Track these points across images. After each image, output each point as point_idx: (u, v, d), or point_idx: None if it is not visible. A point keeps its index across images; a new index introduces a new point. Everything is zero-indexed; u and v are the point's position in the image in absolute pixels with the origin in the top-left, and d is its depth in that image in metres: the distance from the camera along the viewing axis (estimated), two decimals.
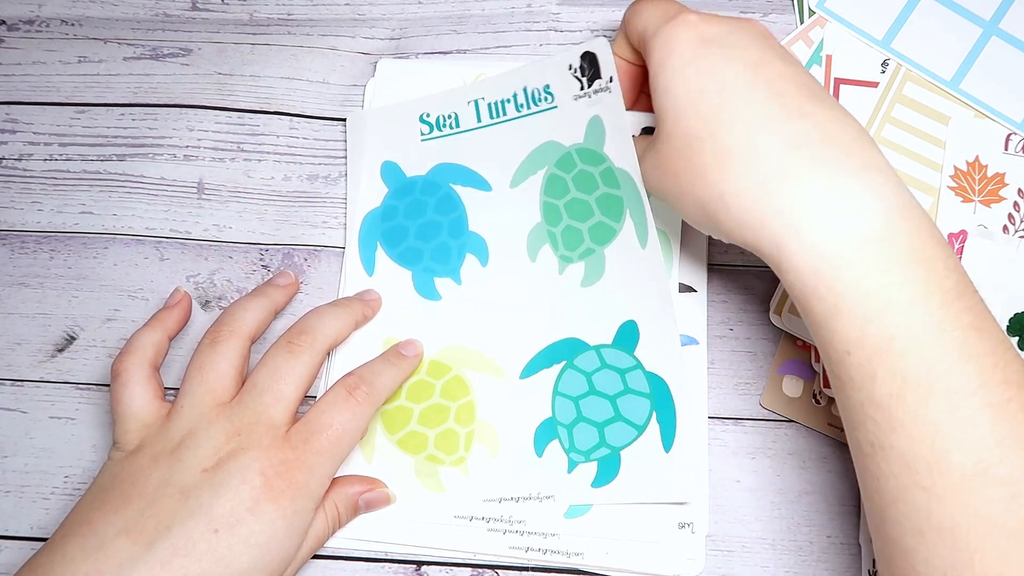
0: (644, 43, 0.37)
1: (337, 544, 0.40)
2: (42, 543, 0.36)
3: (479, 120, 0.44)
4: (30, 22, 0.49)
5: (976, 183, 0.43)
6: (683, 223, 0.42)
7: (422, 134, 0.45)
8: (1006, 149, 0.43)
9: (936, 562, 0.29)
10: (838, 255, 0.31)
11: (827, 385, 0.40)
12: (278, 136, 0.47)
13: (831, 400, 0.41)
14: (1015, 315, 0.41)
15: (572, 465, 0.40)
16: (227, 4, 0.49)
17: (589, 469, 0.40)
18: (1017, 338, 0.41)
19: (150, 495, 0.35)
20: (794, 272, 0.31)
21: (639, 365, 0.40)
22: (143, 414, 0.38)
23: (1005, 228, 0.42)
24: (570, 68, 0.42)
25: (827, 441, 0.41)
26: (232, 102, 0.47)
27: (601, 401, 0.40)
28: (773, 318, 0.42)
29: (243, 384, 0.39)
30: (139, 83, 0.48)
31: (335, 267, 0.45)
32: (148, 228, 0.46)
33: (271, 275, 0.45)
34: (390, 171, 0.45)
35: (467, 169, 0.44)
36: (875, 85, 0.44)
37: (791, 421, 0.42)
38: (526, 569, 0.40)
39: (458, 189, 0.44)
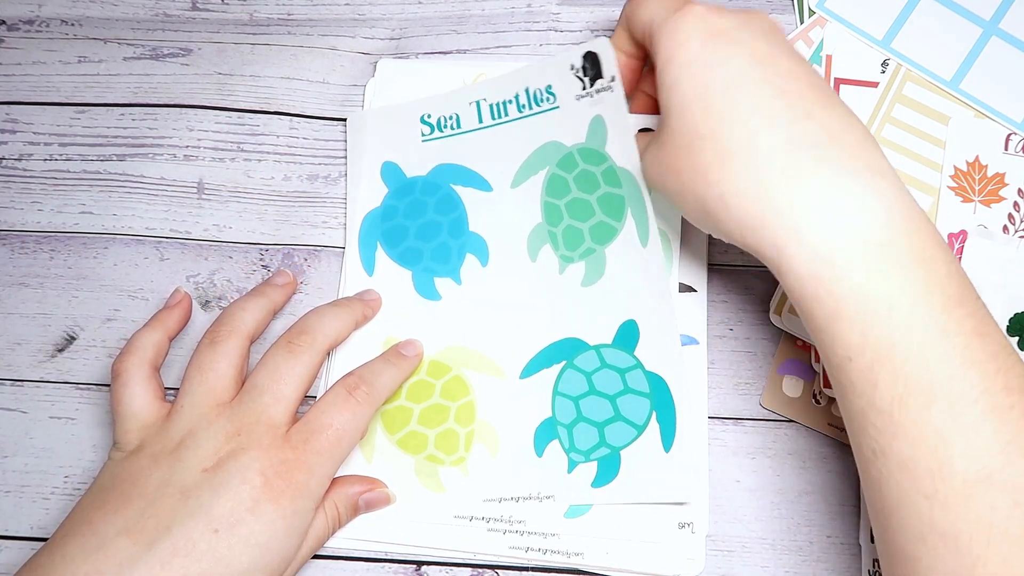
0: (650, 36, 0.36)
1: (337, 544, 0.40)
2: (42, 543, 0.36)
3: (480, 121, 0.44)
4: (30, 22, 0.49)
5: (976, 183, 0.43)
6: (683, 223, 0.42)
7: (423, 135, 0.45)
8: (1006, 149, 0.43)
9: (939, 568, 0.29)
10: (839, 259, 0.30)
11: (827, 385, 0.40)
12: (278, 136, 0.47)
13: (831, 400, 0.41)
14: (1015, 315, 0.41)
15: (572, 465, 0.40)
16: (227, 4, 0.49)
17: (589, 469, 0.40)
18: (1017, 338, 0.41)
19: (150, 495, 0.35)
20: (794, 275, 0.31)
21: (639, 365, 0.40)
22: (143, 414, 0.38)
23: (1005, 228, 0.42)
24: (572, 68, 0.42)
25: (827, 441, 0.41)
26: (232, 102, 0.47)
27: (601, 401, 0.40)
28: (773, 318, 0.42)
29: (243, 384, 0.39)
30: (139, 83, 0.48)
31: (335, 267, 0.45)
32: (148, 228, 0.46)
33: (271, 275, 0.45)
34: (390, 171, 0.45)
35: (468, 169, 0.44)
36: (875, 85, 0.44)
37: (791, 421, 0.42)
38: (526, 569, 0.40)
39: (458, 189, 0.44)
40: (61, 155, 0.47)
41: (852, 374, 0.31)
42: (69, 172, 0.47)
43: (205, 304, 0.45)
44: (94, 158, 0.47)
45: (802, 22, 0.46)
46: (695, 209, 0.35)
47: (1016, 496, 0.28)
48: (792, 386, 0.42)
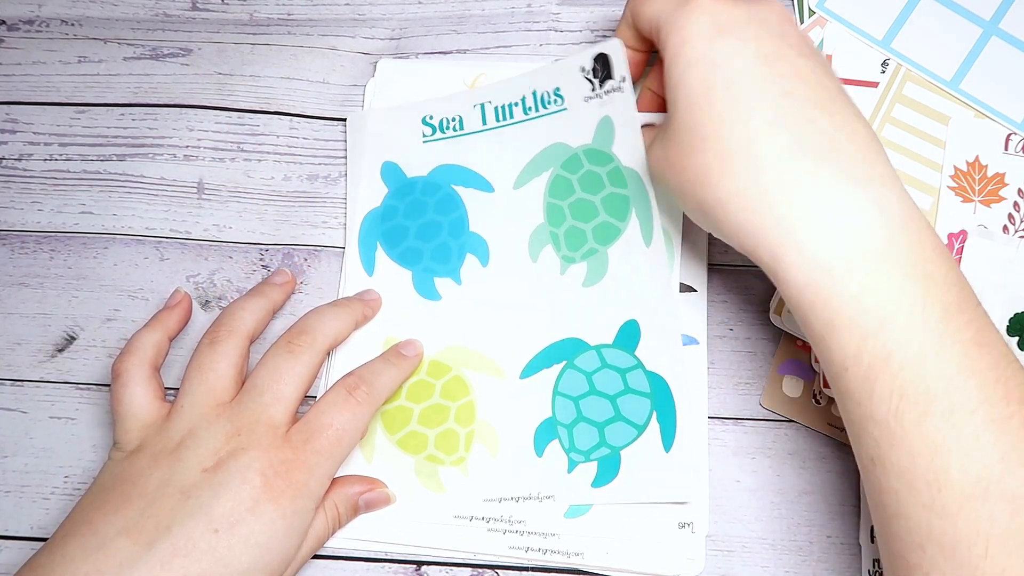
0: (657, 31, 0.36)
1: (337, 544, 0.40)
2: (42, 543, 0.36)
3: (484, 123, 0.44)
4: (30, 22, 0.49)
5: (976, 183, 0.43)
6: (684, 222, 0.42)
7: (424, 135, 0.45)
8: (1006, 149, 0.43)
9: None
10: (837, 268, 0.30)
11: (827, 385, 0.40)
12: (278, 136, 0.47)
13: (831, 400, 0.41)
14: (1015, 315, 0.41)
15: (572, 465, 0.40)
16: (227, 4, 0.49)
17: (589, 469, 0.40)
18: (1017, 338, 0.41)
19: (150, 495, 0.35)
20: (791, 283, 0.31)
21: (640, 364, 0.40)
22: (143, 414, 0.38)
23: (1005, 228, 0.42)
24: (582, 70, 0.42)
25: (827, 441, 0.41)
26: (232, 102, 0.47)
27: (601, 401, 0.40)
28: (773, 318, 0.42)
29: (243, 384, 0.39)
30: (139, 83, 0.48)
31: (335, 267, 0.45)
32: (148, 228, 0.46)
33: (269, 274, 0.45)
34: (390, 171, 0.45)
35: (469, 170, 0.44)
36: (875, 85, 0.44)
37: (791, 421, 0.42)
38: (526, 569, 0.40)
39: (459, 190, 0.44)
40: (61, 155, 0.47)
41: (850, 383, 0.30)
42: (69, 172, 0.47)
43: (205, 304, 0.45)
44: (94, 158, 0.47)
45: (802, 22, 0.46)
46: (695, 209, 0.35)
47: (1015, 506, 0.28)
48: (792, 386, 0.42)
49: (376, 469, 0.41)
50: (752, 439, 0.42)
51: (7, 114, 0.48)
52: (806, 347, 0.42)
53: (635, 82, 0.42)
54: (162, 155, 0.47)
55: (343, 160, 0.46)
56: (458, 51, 0.47)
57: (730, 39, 0.33)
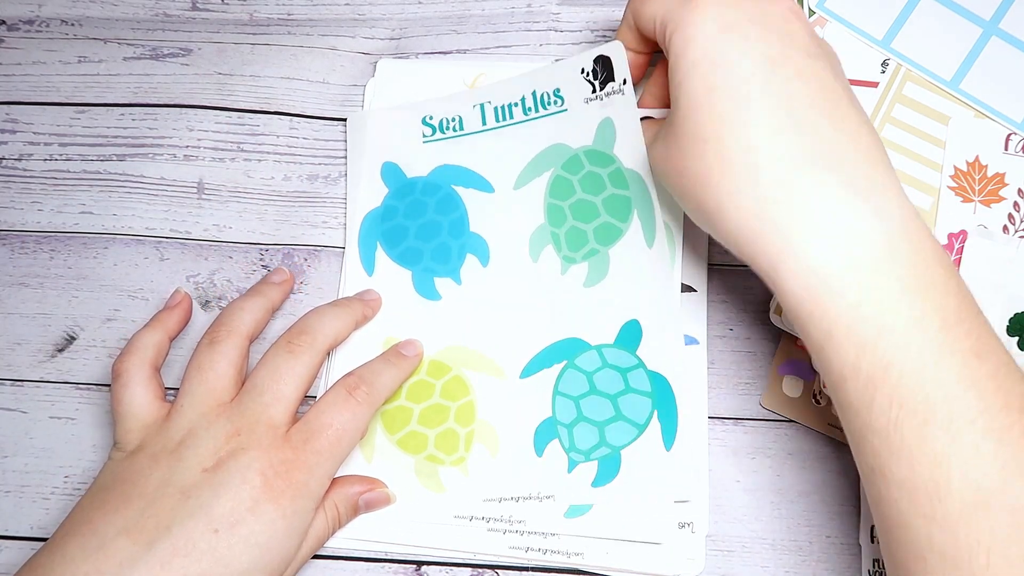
0: (661, 30, 0.35)
1: (337, 544, 0.40)
2: (42, 543, 0.36)
3: (484, 123, 0.44)
4: (30, 22, 0.49)
5: (976, 183, 0.43)
6: (685, 222, 0.42)
7: (424, 136, 0.45)
8: (1006, 149, 0.43)
9: None
10: (834, 277, 0.30)
11: (827, 385, 0.40)
12: (278, 136, 0.47)
13: (831, 400, 0.41)
14: (1015, 315, 0.41)
15: (572, 465, 0.40)
16: (227, 4, 0.49)
17: (589, 469, 0.40)
18: (1017, 338, 0.41)
19: (150, 495, 0.35)
20: (790, 292, 0.31)
21: (641, 364, 0.40)
22: (143, 414, 0.38)
23: (1005, 228, 0.42)
24: (583, 72, 0.42)
25: (827, 441, 0.41)
26: (232, 102, 0.47)
27: (602, 400, 0.40)
28: (773, 318, 0.42)
29: (243, 384, 0.39)
30: (139, 83, 0.48)
31: (335, 267, 0.45)
32: (148, 228, 0.46)
33: (268, 274, 0.45)
34: (390, 171, 0.45)
35: (469, 171, 0.44)
36: (875, 85, 0.44)
37: (791, 421, 0.42)
38: (526, 569, 0.40)
39: (459, 190, 0.44)
40: (61, 155, 0.47)
41: (849, 394, 0.30)
42: (69, 172, 0.47)
43: (205, 304, 0.45)
44: (94, 158, 0.47)
45: None
46: (695, 210, 0.35)
47: (1016, 517, 0.28)
48: (792, 386, 0.42)
49: (376, 469, 0.41)
50: (752, 439, 0.42)
51: (7, 114, 0.48)
52: (806, 347, 0.42)
53: (636, 84, 0.42)
54: (162, 155, 0.47)
55: (343, 160, 0.46)
56: (458, 51, 0.47)
57: (735, 39, 0.32)
